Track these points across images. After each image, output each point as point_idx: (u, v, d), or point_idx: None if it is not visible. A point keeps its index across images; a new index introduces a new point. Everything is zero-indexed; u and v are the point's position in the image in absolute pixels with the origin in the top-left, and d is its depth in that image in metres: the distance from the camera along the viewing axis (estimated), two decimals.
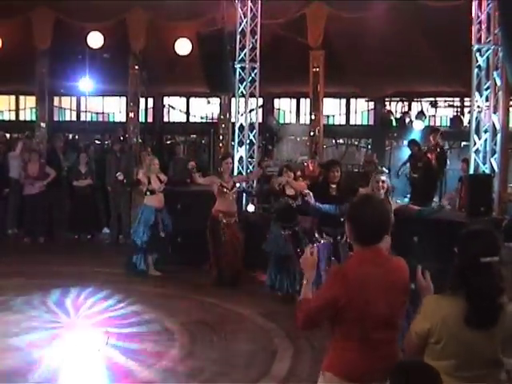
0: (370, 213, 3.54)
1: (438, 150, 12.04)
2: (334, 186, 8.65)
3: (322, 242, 8.40)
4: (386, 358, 3.48)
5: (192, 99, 22.33)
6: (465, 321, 3.22)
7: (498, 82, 9.35)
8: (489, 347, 3.28)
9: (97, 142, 18.10)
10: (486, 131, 9.34)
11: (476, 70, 9.30)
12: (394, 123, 17.54)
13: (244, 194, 11.16)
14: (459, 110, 18.76)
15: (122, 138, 15.49)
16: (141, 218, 10.40)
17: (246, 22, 11.68)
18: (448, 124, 17.58)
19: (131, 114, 16.25)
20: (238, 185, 10.19)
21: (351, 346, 3.51)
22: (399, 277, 3.59)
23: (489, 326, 3.26)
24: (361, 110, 21.25)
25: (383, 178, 8.04)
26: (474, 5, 9.49)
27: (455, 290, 3.30)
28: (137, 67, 15.76)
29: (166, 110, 22.77)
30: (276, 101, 21.56)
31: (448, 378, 3.23)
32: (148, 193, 10.36)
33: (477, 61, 9.28)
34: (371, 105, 20.62)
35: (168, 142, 15.35)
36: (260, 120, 13.85)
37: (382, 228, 3.59)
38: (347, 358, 3.52)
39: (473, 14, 9.29)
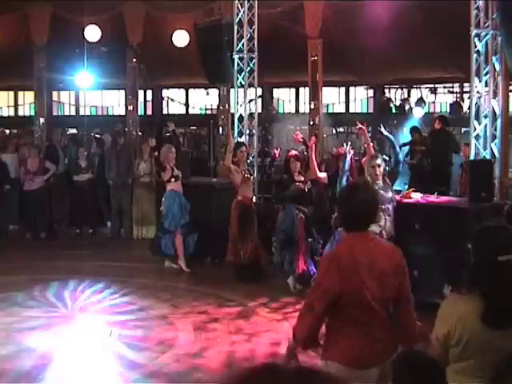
0: (359, 200, 3.66)
1: (428, 138, 12.10)
2: None
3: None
4: (383, 341, 3.57)
5: (191, 91, 22.27)
6: (482, 320, 3.16)
7: (497, 67, 9.29)
8: (507, 346, 3.19)
9: (97, 136, 18.07)
10: (485, 116, 9.28)
11: (475, 56, 9.24)
12: (394, 110, 17.47)
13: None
14: (459, 95, 18.70)
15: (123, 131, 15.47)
16: (166, 205, 10.23)
17: (244, 12, 11.62)
18: (448, 110, 17.51)
19: (130, 107, 16.26)
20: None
21: (351, 332, 3.58)
22: (390, 259, 3.67)
23: (506, 326, 3.18)
24: (360, 98, 21.18)
25: (378, 162, 7.94)
26: None
27: (472, 289, 3.24)
28: (135, 60, 15.73)
29: (165, 103, 22.72)
30: (275, 90, 21.48)
31: (467, 379, 3.20)
32: (173, 179, 10.34)
33: (475, 46, 9.21)
34: (370, 92, 20.55)
35: (167, 134, 15.29)
36: (259, 110, 13.81)
37: (369, 215, 3.73)
38: (350, 345, 3.58)
39: None
